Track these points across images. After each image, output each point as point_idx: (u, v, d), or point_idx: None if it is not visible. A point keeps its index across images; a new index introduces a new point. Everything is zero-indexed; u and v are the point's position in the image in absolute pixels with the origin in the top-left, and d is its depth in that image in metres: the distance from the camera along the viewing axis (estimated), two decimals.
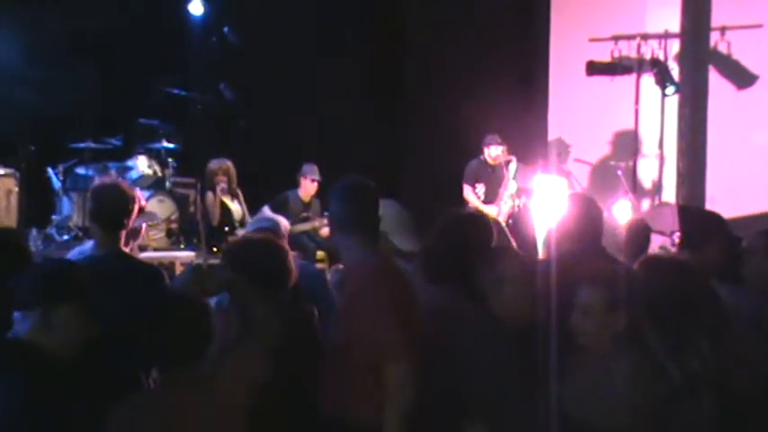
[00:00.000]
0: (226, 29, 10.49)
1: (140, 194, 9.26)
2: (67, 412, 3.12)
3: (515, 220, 10.24)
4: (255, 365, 3.64)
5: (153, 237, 9.44)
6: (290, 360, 3.74)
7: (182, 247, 9.77)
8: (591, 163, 11.42)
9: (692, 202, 10.35)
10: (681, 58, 10.79)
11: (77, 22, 10.03)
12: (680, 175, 10.78)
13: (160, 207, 9.82)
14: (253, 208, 10.12)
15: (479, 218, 4.39)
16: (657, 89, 10.74)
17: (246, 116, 10.91)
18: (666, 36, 10.88)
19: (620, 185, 10.31)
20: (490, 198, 10.51)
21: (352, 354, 3.64)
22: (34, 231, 9.43)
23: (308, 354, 3.94)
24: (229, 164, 9.72)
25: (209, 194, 9.56)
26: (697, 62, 10.66)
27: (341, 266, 5.13)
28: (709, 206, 9.61)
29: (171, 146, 10.30)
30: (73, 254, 4.76)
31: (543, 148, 11.62)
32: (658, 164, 11.15)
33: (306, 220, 9.95)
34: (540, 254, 7.43)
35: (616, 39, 11.05)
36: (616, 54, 11.05)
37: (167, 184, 10.20)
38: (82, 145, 9.68)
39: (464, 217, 4.45)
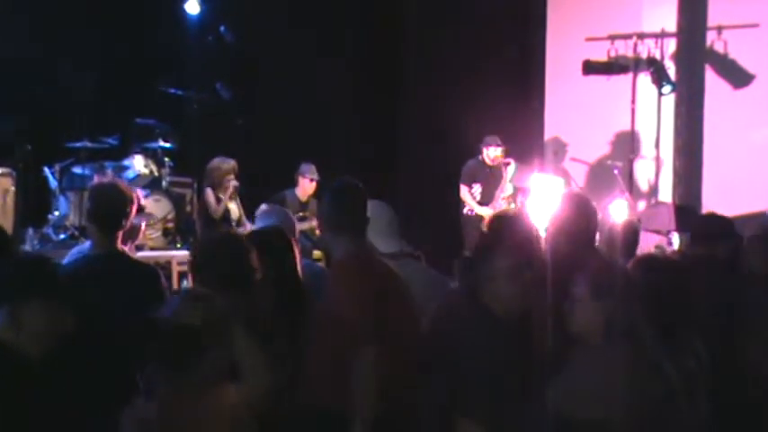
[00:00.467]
0: (222, 28, 10.48)
1: (140, 193, 9.35)
2: (40, 411, 3.05)
3: None
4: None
5: (149, 236, 9.42)
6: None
7: (178, 246, 9.76)
8: (587, 162, 11.43)
9: (688, 201, 10.39)
10: (677, 57, 10.84)
11: (73, 20, 10.02)
12: (676, 174, 10.83)
13: (156, 206, 9.82)
14: (249, 208, 10.12)
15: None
16: (654, 88, 10.76)
17: (243, 115, 10.90)
18: (663, 35, 10.90)
19: (616, 185, 10.32)
20: (487, 199, 10.48)
21: (326, 341, 3.77)
22: (31, 231, 9.41)
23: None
24: (235, 163, 9.75)
25: (209, 191, 9.56)
26: (693, 61, 10.71)
27: None
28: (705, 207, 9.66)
29: (167, 145, 10.29)
30: (72, 254, 4.77)
31: (540, 148, 11.64)
32: (655, 163, 11.17)
33: (303, 219, 9.94)
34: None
35: (612, 38, 11.07)
36: (612, 53, 11.06)
37: (164, 183, 10.19)
38: (78, 144, 9.66)
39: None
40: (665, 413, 3.25)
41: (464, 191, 10.60)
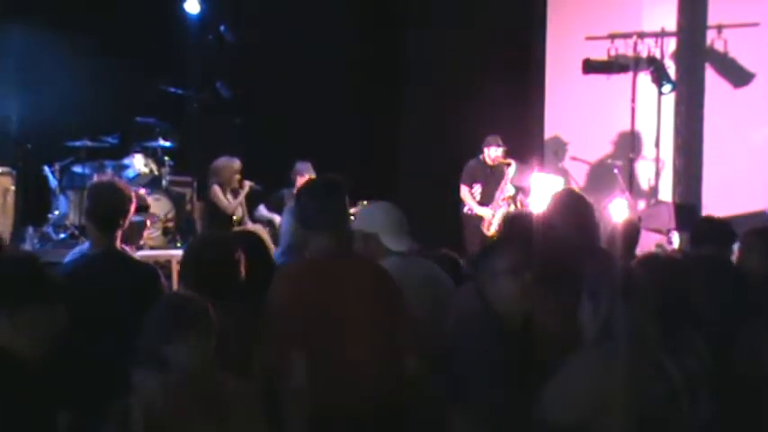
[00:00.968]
0: (222, 27, 10.48)
1: (143, 192, 9.36)
2: (38, 414, 3.02)
3: None
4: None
5: (149, 235, 9.43)
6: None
7: (178, 245, 9.76)
8: (587, 161, 11.43)
9: (688, 200, 10.38)
10: (677, 56, 10.83)
11: (73, 19, 10.02)
12: (676, 173, 10.81)
13: (156, 205, 9.83)
14: (248, 206, 10.14)
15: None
16: (654, 87, 10.76)
17: (243, 115, 10.91)
18: (663, 34, 10.89)
19: (616, 184, 10.32)
20: (487, 199, 10.45)
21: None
22: (31, 230, 9.41)
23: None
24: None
25: (216, 188, 9.62)
26: (693, 60, 10.70)
27: None
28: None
29: (167, 144, 10.29)
30: (73, 253, 4.75)
31: (540, 147, 11.63)
32: (655, 162, 11.16)
33: None
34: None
35: (612, 37, 11.07)
36: (612, 52, 11.06)
37: (164, 182, 10.20)
38: (78, 143, 9.66)
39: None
40: (666, 413, 3.24)
41: (464, 191, 10.58)
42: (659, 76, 10.58)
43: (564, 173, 11.11)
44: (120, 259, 4.38)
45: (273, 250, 5.13)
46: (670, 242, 9.07)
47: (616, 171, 10.50)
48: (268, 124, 11.32)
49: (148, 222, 9.33)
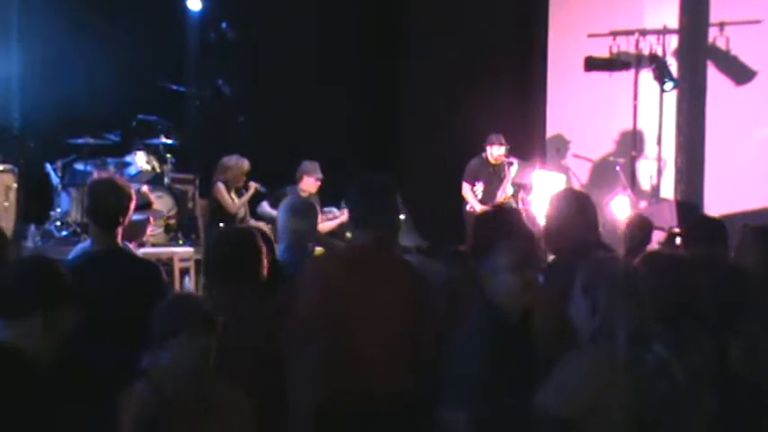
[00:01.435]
0: (224, 25, 10.48)
1: (146, 188, 9.36)
2: (48, 413, 3.04)
3: None
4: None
5: (151, 232, 9.43)
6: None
7: (180, 242, 9.77)
8: (589, 159, 11.42)
9: (690, 197, 10.38)
10: (679, 53, 10.83)
11: (75, 16, 10.01)
12: (678, 170, 10.82)
13: (158, 203, 9.81)
14: (251, 204, 10.15)
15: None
16: (656, 85, 10.75)
17: (245, 112, 10.90)
18: (665, 32, 10.88)
19: (618, 181, 10.32)
20: (489, 198, 10.46)
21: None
22: (33, 227, 9.42)
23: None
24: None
25: (221, 186, 9.61)
26: (695, 58, 10.70)
27: None
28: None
29: (169, 142, 10.29)
30: (76, 250, 4.75)
31: (542, 144, 11.63)
32: (657, 160, 11.15)
33: None
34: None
35: (614, 34, 11.06)
36: (614, 50, 11.06)
37: (166, 179, 10.20)
38: (80, 141, 9.65)
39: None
40: (669, 412, 3.24)
41: (466, 189, 10.59)
42: (661, 74, 10.57)
43: (566, 170, 11.11)
44: (122, 257, 4.38)
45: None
46: (673, 240, 9.07)
47: (618, 168, 10.50)
48: (269, 122, 11.31)
49: (152, 219, 9.33)
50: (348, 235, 9.75)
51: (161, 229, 9.81)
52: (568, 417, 3.15)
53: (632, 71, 11.03)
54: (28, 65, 9.98)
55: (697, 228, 5.53)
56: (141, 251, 6.84)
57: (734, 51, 10.66)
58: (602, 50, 11.08)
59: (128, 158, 9.95)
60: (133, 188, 4.56)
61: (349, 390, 3.78)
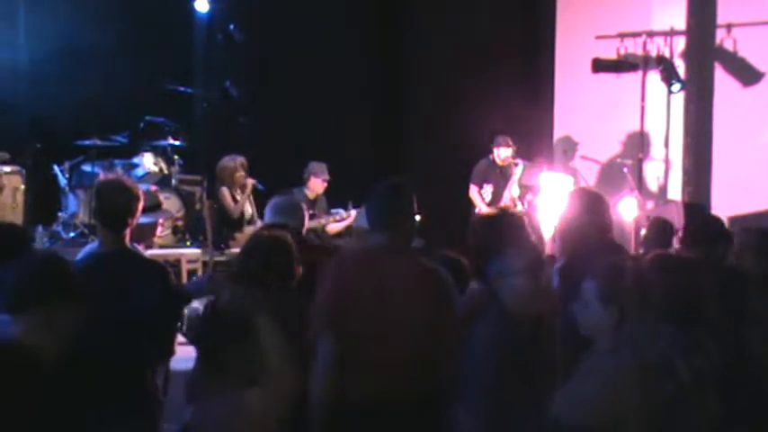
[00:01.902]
0: (232, 26, 10.50)
1: (155, 189, 9.37)
2: (54, 412, 3.04)
3: None
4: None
5: (159, 234, 9.45)
6: None
7: (188, 244, 9.79)
8: (597, 160, 11.40)
9: (697, 198, 10.37)
10: (687, 55, 10.81)
11: (83, 19, 10.04)
12: (685, 172, 10.80)
13: (166, 204, 9.84)
14: (257, 205, 10.14)
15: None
16: (663, 86, 10.73)
17: (252, 114, 10.92)
18: (672, 33, 10.86)
19: (626, 183, 10.29)
20: (497, 200, 10.45)
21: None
22: (40, 229, 9.45)
23: None
24: (243, 159, 9.74)
25: (224, 191, 9.54)
26: (703, 59, 10.69)
27: None
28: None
29: (177, 143, 10.31)
30: (83, 252, 4.76)
31: (549, 146, 11.62)
32: (664, 161, 11.13)
33: (312, 217, 9.94)
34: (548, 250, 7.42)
35: (622, 36, 11.04)
36: (622, 51, 11.03)
37: (173, 181, 10.22)
38: (88, 142, 9.68)
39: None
40: (676, 413, 3.23)
41: (473, 191, 10.57)
42: (669, 76, 10.55)
43: (573, 172, 11.09)
44: (130, 258, 4.38)
45: None
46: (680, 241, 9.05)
47: (625, 170, 10.48)
48: (276, 124, 11.32)
49: (161, 220, 9.34)
50: (354, 236, 9.77)
51: (168, 231, 9.83)
52: (585, 425, 3.14)
53: (639, 73, 11.00)
54: (36, 68, 10.02)
55: (697, 229, 5.52)
56: (148, 253, 6.86)
57: (741, 53, 10.63)
58: (609, 52, 11.06)
59: (135, 160, 9.97)
60: (143, 189, 4.57)
61: (363, 388, 3.81)
